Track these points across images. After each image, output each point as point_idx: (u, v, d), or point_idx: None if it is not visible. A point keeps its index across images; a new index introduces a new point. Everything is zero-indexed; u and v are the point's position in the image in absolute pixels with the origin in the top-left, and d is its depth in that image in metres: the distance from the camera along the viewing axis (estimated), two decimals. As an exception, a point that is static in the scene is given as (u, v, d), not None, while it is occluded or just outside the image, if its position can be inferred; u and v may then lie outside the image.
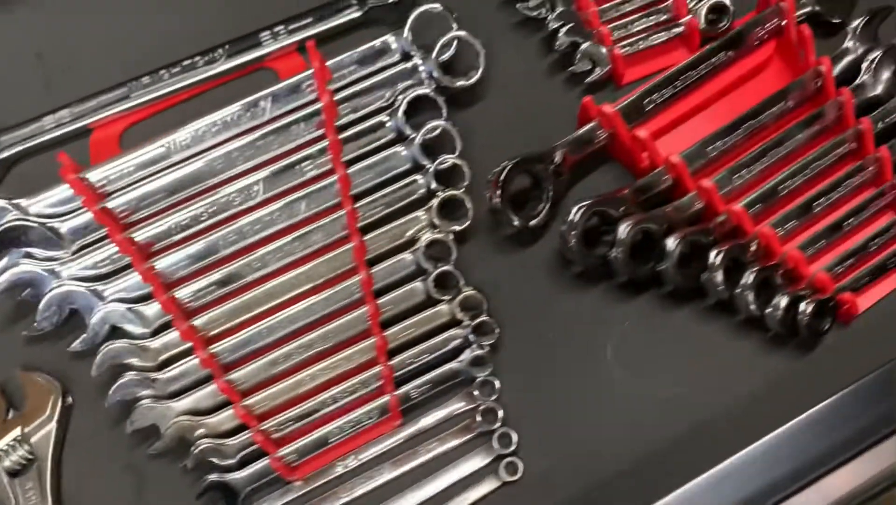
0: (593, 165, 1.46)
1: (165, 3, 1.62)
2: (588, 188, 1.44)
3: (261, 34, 1.59)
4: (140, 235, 1.38)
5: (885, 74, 1.42)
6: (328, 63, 1.49)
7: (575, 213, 1.31)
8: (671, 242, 1.28)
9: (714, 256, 1.27)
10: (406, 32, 1.49)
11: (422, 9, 1.49)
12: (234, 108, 1.46)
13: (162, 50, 1.57)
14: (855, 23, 1.45)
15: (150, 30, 1.59)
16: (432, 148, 1.43)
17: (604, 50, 1.49)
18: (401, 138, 1.45)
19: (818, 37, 1.52)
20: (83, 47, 1.55)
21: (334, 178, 1.39)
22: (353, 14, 1.59)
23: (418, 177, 1.41)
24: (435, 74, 1.47)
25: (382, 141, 1.45)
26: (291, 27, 1.59)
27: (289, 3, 1.60)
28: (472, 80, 1.48)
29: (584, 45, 1.48)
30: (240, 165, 1.43)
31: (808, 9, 1.49)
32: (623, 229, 1.29)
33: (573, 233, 1.31)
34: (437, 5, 1.49)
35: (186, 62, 1.57)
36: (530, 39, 1.57)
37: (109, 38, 1.56)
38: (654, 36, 1.50)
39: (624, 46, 1.50)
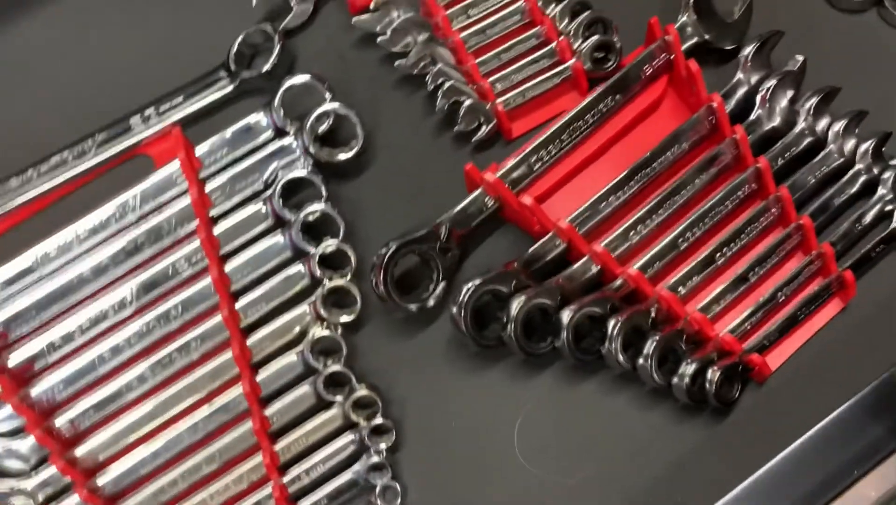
0: (488, 230, 1.33)
1: (25, 94, 1.49)
2: (483, 256, 1.32)
3: (130, 119, 1.45)
4: (10, 362, 1.26)
5: (781, 103, 1.31)
6: (197, 149, 1.37)
7: (464, 295, 1.19)
8: (565, 316, 1.17)
9: (612, 328, 1.16)
10: (276, 108, 1.36)
11: (288, 83, 1.35)
12: (101, 212, 1.33)
13: (27, 146, 1.44)
14: (746, 50, 1.33)
15: (12, 123, 1.46)
16: (314, 230, 1.31)
17: (488, 106, 1.36)
18: (280, 224, 1.32)
19: (711, 66, 1.40)
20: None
21: (209, 278, 1.27)
22: (226, 89, 1.46)
23: (300, 266, 1.29)
24: (311, 150, 1.34)
25: (260, 229, 1.32)
26: (162, 108, 1.46)
27: (157, 83, 1.47)
28: (352, 154, 1.35)
29: (466, 104, 1.36)
30: (111, 272, 1.31)
31: (695, 39, 1.36)
32: (515, 306, 1.17)
33: (463, 315, 1.19)
34: (305, 76, 1.36)
35: (55, 158, 1.44)
36: (414, 97, 1.44)
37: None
38: (540, 84, 1.38)
39: (508, 100, 1.37)
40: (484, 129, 1.37)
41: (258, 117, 1.37)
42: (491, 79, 1.38)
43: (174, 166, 1.34)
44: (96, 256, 1.30)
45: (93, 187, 1.44)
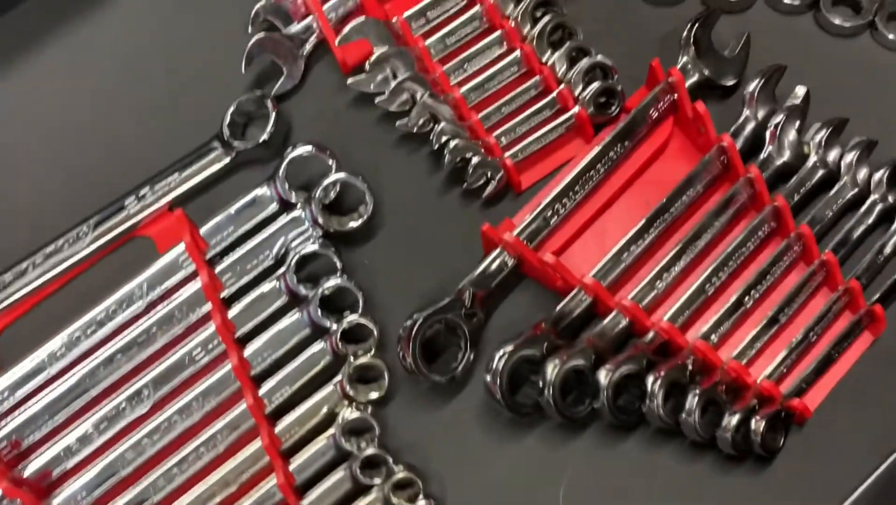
0: (509, 287, 1.29)
1: (11, 176, 1.41)
2: (506, 314, 1.28)
3: (125, 200, 1.39)
4: (27, 472, 1.19)
5: (790, 137, 1.28)
6: (202, 230, 1.31)
7: (497, 362, 1.14)
8: (603, 378, 1.13)
9: (651, 384, 1.13)
10: (280, 181, 1.31)
11: (291, 156, 1.30)
12: (107, 303, 1.27)
13: (17, 233, 1.37)
14: (751, 87, 1.30)
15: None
16: (331, 303, 1.26)
17: (495, 161, 1.32)
18: (295, 300, 1.27)
19: (714, 101, 1.37)
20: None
21: (229, 365, 1.21)
22: (222, 161, 1.40)
23: (321, 344, 1.23)
24: (320, 220, 1.29)
25: (275, 307, 1.26)
26: (157, 187, 1.39)
27: (149, 157, 1.41)
28: (362, 222, 1.31)
29: (473, 161, 1.32)
30: (124, 366, 1.24)
31: (697, 77, 1.34)
32: (550, 371, 1.13)
33: (498, 382, 1.15)
34: (307, 147, 1.31)
35: (49, 248, 1.37)
36: (417, 155, 1.40)
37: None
38: (545, 135, 1.34)
39: (515, 153, 1.33)
40: (492, 186, 1.32)
41: (262, 191, 1.31)
42: (495, 133, 1.34)
43: (179, 250, 1.28)
44: (106, 350, 1.23)
45: (93, 273, 1.37)
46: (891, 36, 1.38)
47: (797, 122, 1.28)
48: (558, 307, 1.20)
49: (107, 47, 1.50)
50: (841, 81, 1.38)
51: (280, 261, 1.29)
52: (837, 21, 1.39)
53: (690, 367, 1.14)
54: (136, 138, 1.43)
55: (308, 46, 1.45)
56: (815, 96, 1.33)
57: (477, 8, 1.40)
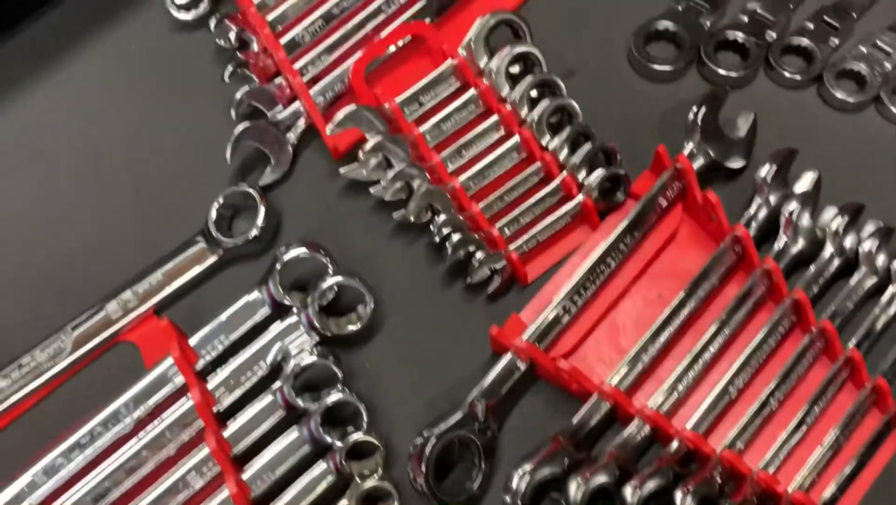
0: (521, 390, 1.21)
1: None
2: (520, 419, 1.19)
3: (107, 305, 1.29)
4: None
5: (805, 223, 1.23)
6: (192, 341, 1.21)
7: (517, 482, 1.06)
8: (629, 495, 1.05)
9: (680, 501, 1.05)
10: (274, 286, 1.22)
11: (285, 258, 1.21)
12: (91, 424, 1.17)
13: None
14: (763, 173, 1.24)
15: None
16: (332, 414, 1.17)
17: (501, 257, 1.24)
18: (292, 412, 1.18)
19: (721, 183, 1.31)
20: None
21: (226, 491, 1.11)
22: (209, 260, 1.30)
23: (324, 464, 1.14)
24: (316, 325, 1.20)
25: (272, 422, 1.17)
26: (141, 290, 1.29)
27: (130, 260, 1.31)
28: (361, 325, 1.22)
29: (477, 256, 1.24)
30: (111, 494, 1.14)
31: (703, 160, 1.28)
32: (574, 491, 1.05)
33: (518, 504, 1.07)
34: (301, 249, 1.22)
35: (25, 360, 1.26)
36: (415, 246, 1.31)
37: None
38: (551, 225, 1.27)
39: (520, 245, 1.26)
40: (496, 281, 1.25)
41: (254, 296, 1.22)
42: (498, 224, 1.26)
43: (167, 363, 1.18)
44: (93, 478, 1.13)
45: (73, 383, 1.27)
46: (895, 109, 1.33)
47: (811, 209, 1.22)
48: (576, 418, 1.12)
49: (78, 137, 1.41)
50: (847, 157, 1.33)
51: (275, 369, 1.20)
52: (841, 95, 1.34)
53: (719, 479, 1.07)
54: (115, 237, 1.34)
55: (296, 133, 1.37)
56: (821, 172, 1.28)
57: (472, 92, 1.32)
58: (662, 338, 1.16)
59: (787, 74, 1.35)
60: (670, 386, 1.12)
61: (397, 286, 1.28)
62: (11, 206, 1.36)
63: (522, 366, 1.15)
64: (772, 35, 1.37)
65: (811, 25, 1.39)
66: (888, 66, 1.35)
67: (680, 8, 1.41)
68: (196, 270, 1.29)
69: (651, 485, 1.05)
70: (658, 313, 1.18)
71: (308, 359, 1.15)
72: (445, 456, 1.12)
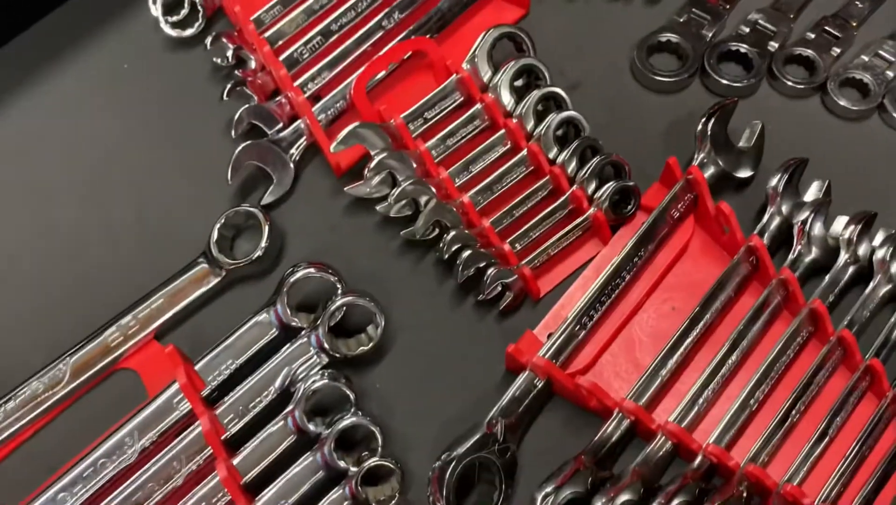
0: (539, 408, 1.17)
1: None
2: (539, 437, 1.15)
3: (106, 331, 1.23)
4: None
5: (815, 231, 1.21)
6: (198, 367, 1.16)
7: (542, 504, 1.02)
8: (656, 513, 1.02)
9: (707, 519, 1.02)
10: (281, 307, 1.17)
11: (292, 280, 1.17)
12: (95, 455, 1.11)
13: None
14: (774, 182, 1.22)
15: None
16: (345, 438, 1.12)
17: (512, 273, 1.21)
18: (304, 436, 1.13)
19: (731, 192, 1.29)
20: None
21: (240, 524, 1.06)
22: (212, 282, 1.26)
23: (339, 490, 1.09)
24: (326, 346, 1.16)
25: (283, 448, 1.12)
26: (141, 315, 1.24)
27: (131, 284, 1.26)
28: (372, 346, 1.18)
29: (489, 272, 1.20)
30: (120, 529, 1.08)
31: (713, 170, 1.26)
32: (600, 511, 1.02)
33: (543, 526, 1.03)
34: (309, 270, 1.18)
35: (23, 390, 1.21)
36: (423, 263, 1.28)
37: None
38: (562, 239, 1.24)
39: (532, 260, 1.23)
40: (508, 296, 1.21)
41: (262, 318, 1.18)
42: (509, 239, 1.23)
43: (172, 390, 1.13)
44: (99, 511, 1.07)
45: (74, 412, 1.21)
46: (900, 117, 1.32)
47: (823, 218, 1.20)
48: (597, 436, 1.08)
49: (73, 160, 1.36)
50: (853, 165, 1.32)
51: (285, 393, 1.15)
52: (844, 104, 1.32)
53: (744, 493, 1.03)
54: (115, 261, 1.29)
55: (298, 151, 1.33)
56: (829, 179, 1.26)
57: (477, 106, 1.29)
58: (680, 351, 1.12)
59: (790, 84, 1.34)
60: (690, 400, 1.09)
61: (407, 304, 1.24)
62: (7, 232, 1.30)
63: (540, 384, 1.12)
64: (774, 45, 1.36)
65: (812, 35, 1.37)
66: (890, 74, 1.34)
67: (681, 20, 1.39)
68: (198, 292, 1.24)
69: (677, 502, 1.01)
70: (673, 326, 1.16)
71: (319, 382, 1.11)
72: (464, 477, 1.08)
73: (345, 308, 1.16)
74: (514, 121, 1.28)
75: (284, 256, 1.29)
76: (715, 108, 1.26)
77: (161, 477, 1.09)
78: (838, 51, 1.36)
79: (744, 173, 1.26)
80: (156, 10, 1.42)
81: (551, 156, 1.28)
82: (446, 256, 1.21)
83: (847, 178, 1.29)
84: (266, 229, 1.24)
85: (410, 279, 1.26)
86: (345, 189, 1.26)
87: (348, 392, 1.12)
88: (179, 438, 1.10)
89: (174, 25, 1.42)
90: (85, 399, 1.22)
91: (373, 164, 1.24)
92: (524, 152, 1.26)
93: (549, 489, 1.02)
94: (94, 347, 1.21)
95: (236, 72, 1.36)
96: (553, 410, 1.17)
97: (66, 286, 1.27)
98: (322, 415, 1.13)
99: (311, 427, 1.11)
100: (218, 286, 1.25)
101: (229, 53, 1.36)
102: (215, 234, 1.25)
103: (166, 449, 1.09)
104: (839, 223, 1.20)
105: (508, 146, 1.29)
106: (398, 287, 1.25)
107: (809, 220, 1.18)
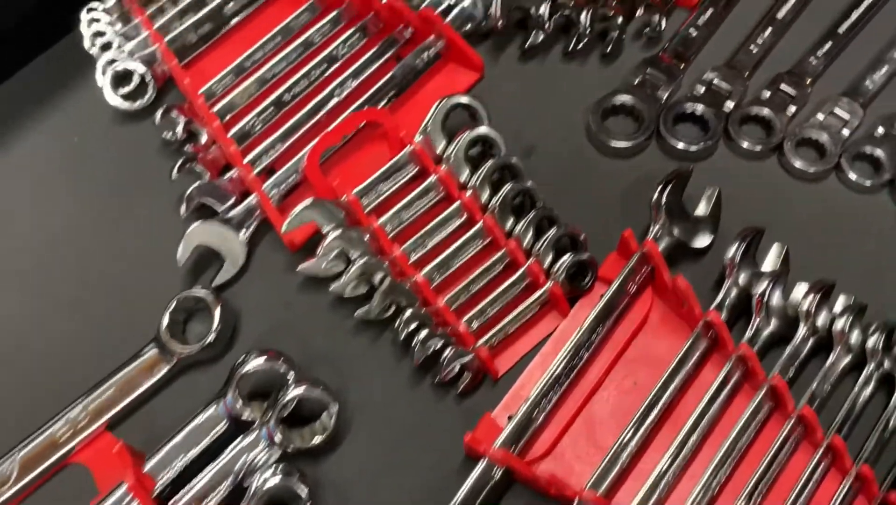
0: (498, 496, 1.13)
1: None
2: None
3: (54, 426, 1.19)
4: None
5: (774, 301, 1.18)
6: (147, 468, 1.11)
7: None
8: None
9: None
10: (231, 400, 1.13)
11: (243, 371, 1.13)
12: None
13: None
14: (730, 253, 1.19)
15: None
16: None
17: (469, 353, 1.17)
18: (261, 534, 1.09)
19: (688, 261, 1.26)
20: None
21: None
22: (163, 370, 1.21)
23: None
24: (277, 439, 1.12)
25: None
26: (91, 406, 1.20)
27: (78, 375, 1.21)
28: (326, 436, 1.14)
29: (446, 353, 1.17)
30: None
31: (668, 241, 1.22)
32: None
33: None
34: (260, 361, 1.14)
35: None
36: (379, 342, 1.23)
37: None
38: (519, 316, 1.20)
39: (490, 340, 1.19)
40: (467, 377, 1.18)
41: (211, 412, 1.13)
42: (466, 317, 1.19)
43: (122, 490, 1.09)
44: None
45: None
46: (854, 177, 1.30)
47: (782, 287, 1.18)
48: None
49: (15, 239, 1.32)
50: (812, 227, 1.29)
51: (238, 487, 1.11)
52: (801, 165, 1.30)
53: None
54: (59, 351, 1.24)
55: (250, 229, 1.29)
56: (787, 242, 1.23)
57: (432, 178, 1.26)
58: (640, 432, 1.09)
59: (746, 146, 1.31)
60: (652, 484, 1.06)
61: (364, 385, 1.20)
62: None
63: (498, 474, 1.08)
64: (730, 105, 1.33)
65: (768, 94, 1.35)
66: (846, 132, 1.32)
67: (636, 80, 1.36)
68: (150, 381, 1.20)
69: None
70: (634, 402, 1.13)
71: (271, 480, 1.07)
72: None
73: (297, 399, 1.12)
74: (469, 192, 1.24)
75: (238, 336, 1.25)
76: (670, 176, 1.23)
77: (111, 584, 1.04)
78: (794, 109, 1.34)
79: (701, 243, 1.23)
80: (102, 80, 1.38)
81: (507, 227, 1.24)
82: (402, 336, 1.17)
83: (806, 240, 1.26)
84: (217, 314, 1.20)
85: (367, 358, 1.22)
86: (297, 269, 1.22)
87: (301, 491, 1.08)
88: (129, 542, 1.05)
89: (125, 98, 1.38)
90: (34, 497, 1.17)
91: (325, 245, 1.20)
92: (479, 225, 1.23)
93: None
94: (41, 441, 1.17)
95: (187, 147, 1.32)
96: (514, 499, 1.13)
97: (11, 377, 1.22)
98: (276, 506, 1.09)
99: (266, 530, 1.06)
100: (169, 373, 1.21)
101: (179, 128, 1.32)
102: (166, 320, 1.21)
103: (115, 555, 1.04)
104: (799, 291, 1.17)
105: (465, 218, 1.25)
106: (354, 366, 1.22)
107: (767, 291, 1.15)
